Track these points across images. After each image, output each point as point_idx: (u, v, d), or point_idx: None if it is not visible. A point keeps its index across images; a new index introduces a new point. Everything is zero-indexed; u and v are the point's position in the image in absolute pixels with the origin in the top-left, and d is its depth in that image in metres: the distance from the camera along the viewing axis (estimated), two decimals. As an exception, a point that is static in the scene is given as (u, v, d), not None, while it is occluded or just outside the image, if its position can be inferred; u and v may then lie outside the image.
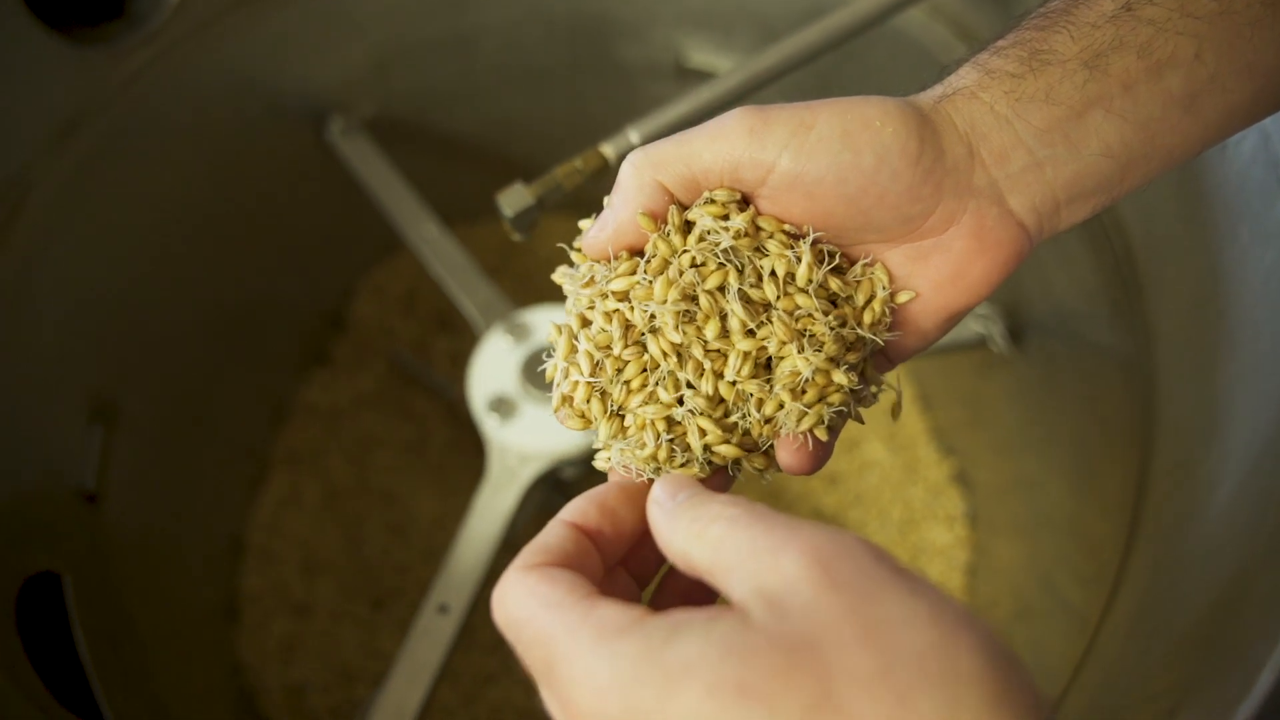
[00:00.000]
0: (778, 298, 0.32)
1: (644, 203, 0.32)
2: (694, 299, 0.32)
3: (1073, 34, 0.32)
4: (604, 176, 0.34)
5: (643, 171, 0.32)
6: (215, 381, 0.84)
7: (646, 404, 0.32)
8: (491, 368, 0.69)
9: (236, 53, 0.73)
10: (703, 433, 0.32)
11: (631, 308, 0.32)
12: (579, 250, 0.34)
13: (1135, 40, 0.31)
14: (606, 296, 0.33)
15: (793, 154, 0.31)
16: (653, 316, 0.32)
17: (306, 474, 0.90)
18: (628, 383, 0.32)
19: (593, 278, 0.34)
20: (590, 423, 0.33)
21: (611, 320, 0.33)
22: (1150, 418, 0.50)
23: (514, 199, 0.49)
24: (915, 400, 0.93)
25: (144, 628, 0.69)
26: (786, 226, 0.33)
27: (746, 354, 0.32)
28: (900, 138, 0.31)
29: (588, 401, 0.33)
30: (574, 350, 0.33)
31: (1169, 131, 0.32)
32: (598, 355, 0.33)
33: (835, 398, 0.32)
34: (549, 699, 0.26)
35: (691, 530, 0.27)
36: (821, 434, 0.32)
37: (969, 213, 0.31)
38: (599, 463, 0.34)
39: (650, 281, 0.33)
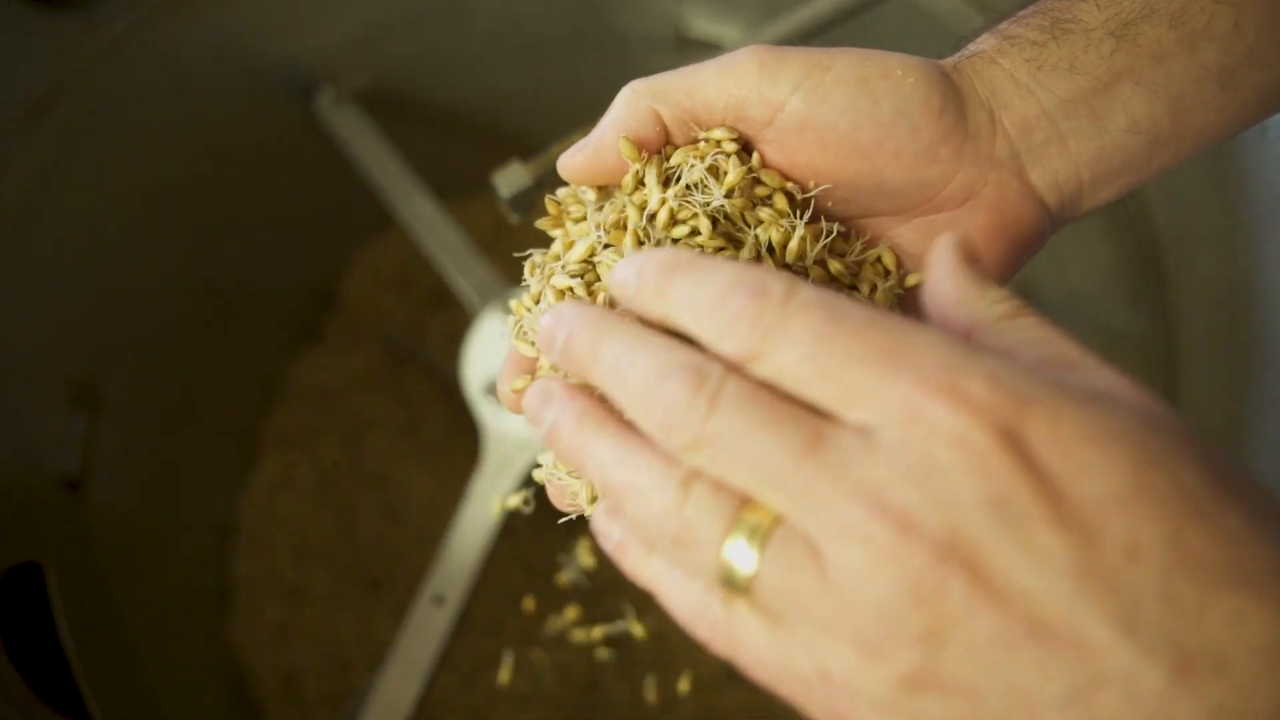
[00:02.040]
0: None
1: (634, 127, 0.29)
2: None
3: (1098, 2, 0.30)
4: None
5: (640, 96, 0.30)
6: (203, 362, 0.82)
7: None
8: (487, 350, 0.67)
9: (220, 20, 0.70)
10: None
11: (587, 286, 0.29)
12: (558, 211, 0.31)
13: (1167, 9, 0.29)
14: (564, 266, 0.29)
15: (805, 94, 0.28)
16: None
17: (298, 456, 0.89)
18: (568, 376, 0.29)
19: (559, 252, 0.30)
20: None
21: (563, 298, 0.29)
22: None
23: (511, 179, 0.46)
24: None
25: (131, 617, 0.67)
26: (790, 186, 0.29)
27: None
28: (922, 90, 0.28)
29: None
30: (521, 332, 0.30)
31: (1202, 108, 0.30)
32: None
33: None
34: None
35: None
36: None
37: (990, 185, 0.29)
38: (536, 473, 0.30)
39: (604, 244, 0.29)
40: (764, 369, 0.22)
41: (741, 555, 0.22)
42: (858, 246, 0.30)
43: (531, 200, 0.47)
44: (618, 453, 0.23)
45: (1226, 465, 0.21)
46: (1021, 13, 0.31)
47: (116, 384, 0.71)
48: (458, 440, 0.89)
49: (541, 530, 0.86)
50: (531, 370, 0.30)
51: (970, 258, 0.24)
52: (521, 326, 0.30)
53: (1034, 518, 0.20)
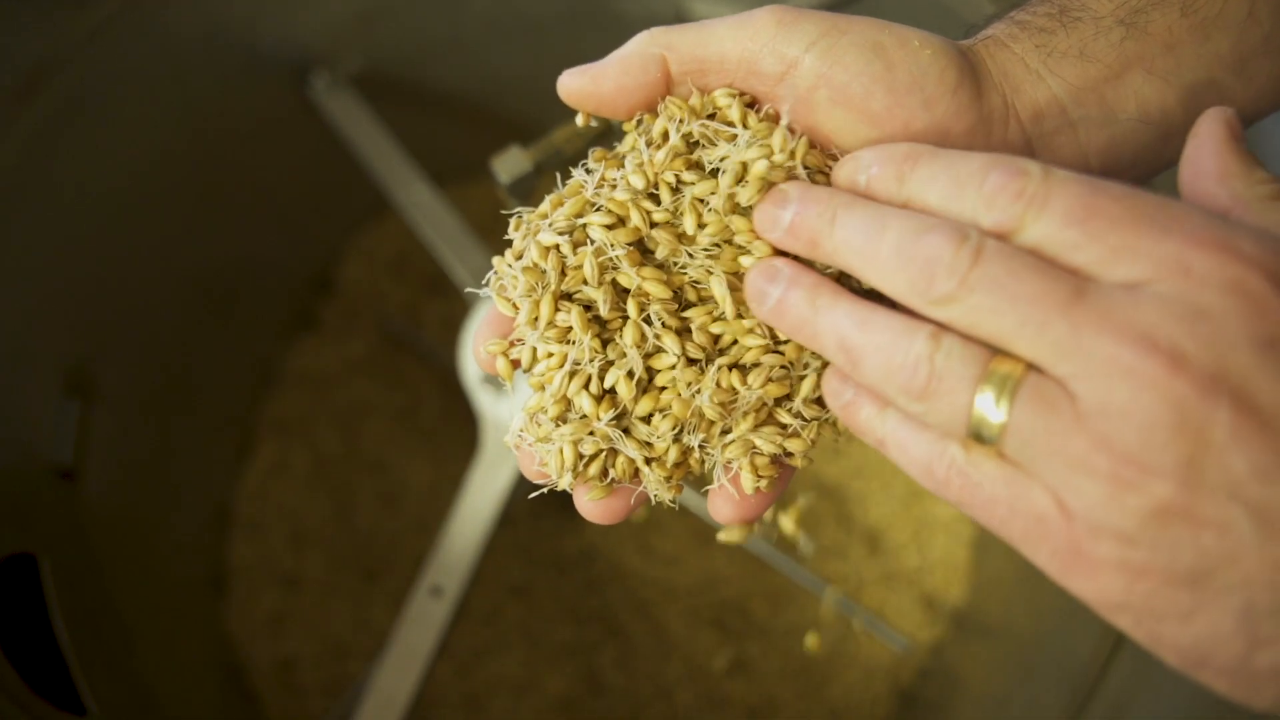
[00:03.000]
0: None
1: (637, 66, 0.29)
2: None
3: None
4: (605, 140, 0.31)
5: (654, 39, 0.30)
6: (197, 349, 0.81)
7: (553, 370, 0.29)
8: (485, 338, 0.66)
9: (214, 1, 0.69)
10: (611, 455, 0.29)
11: (573, 246, 0.29)
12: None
13: None
14: (551, 223, 0.29)
15: (820, 53, 0.28)
16: (605, 267, 0.29)
17: (295, 443, 0.88)
18: (546, 345, 0.29)
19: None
20: (505, 378, 0.30)
21: (547, 257, 0.29)
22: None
23: (510, 164, 0.45)
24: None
25: (126, 607, 0.66)
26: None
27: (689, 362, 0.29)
28: (940, 63, 0.28)
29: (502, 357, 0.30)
30: (501, 289, 0.30)
31: (1217, 98, 0.29)
32: (520, 301, 0.29)
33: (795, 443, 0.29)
34: None
35: None
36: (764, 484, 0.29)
37: None
38: (505, 439, 0.31)
39: (596, 206, 0.29)
40: (1025, 239, 0.23)
41: (991, 404, 0.22)
42: None
43: (532, 186, 0.46)
44: (857, 316, 0.25)
45: None
46: (1029, 2, 0.30)
47: (110, 371, 0.70)
48: (455, 426, 0.88)
49: (539, 520, 0.85)
50: (509, 330, 0.30)
51: (1238, 135, 0.25)
52: (502, 283, 0.30)
53: None
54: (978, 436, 0.23)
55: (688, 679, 0.79)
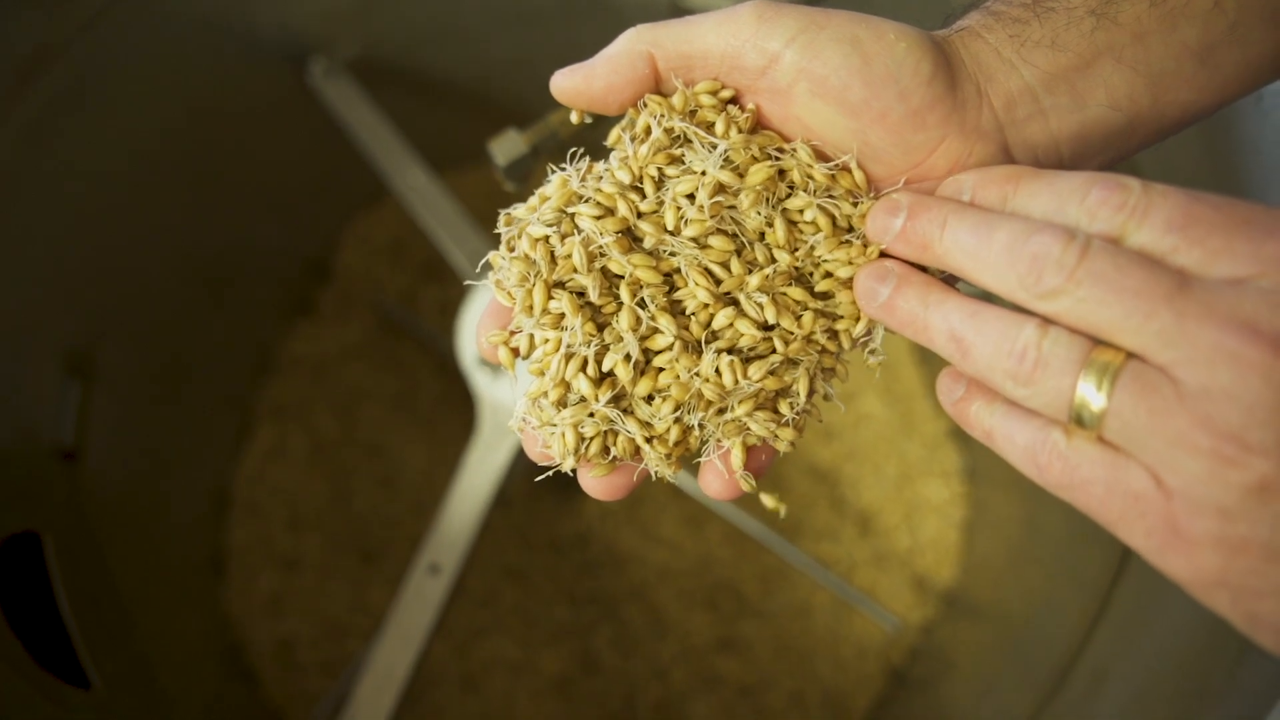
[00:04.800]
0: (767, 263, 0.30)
1: (626, 64, 0.31)
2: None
3: None
4: (600, 124, 0.32)
5: (640, 36, 0.31)
6: (196, 333, 0.81)
7: (550, 355, 0.30)
8: (482, 321, 0.67)
9: (210, -13, 0.69)
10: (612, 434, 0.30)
11: (561, 237, 0.30)
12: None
13: None
14: (539, 216, 0.30)
15: (800, 48, 0.29)
16: (594, 255, 0.30)
17: (293, 426, 0.89)
18: (543, 332, 0.30)
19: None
20: (507, 366, 0.31)
21: (536, 248, 0.30)
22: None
23: (507, 147, 0.46)
24: (911, 353, 0.91)
25: (127, 587, 0.67)
26: (776, 147, 0.30)
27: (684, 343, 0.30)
28: (914, 55, 0.29)
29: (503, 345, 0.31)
30: (499, 284, 0.31)
31: (1183, 86, 0.30)
32: (514, 291, 0.30)
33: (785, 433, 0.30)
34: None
35: None
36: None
37: (974, 157, 0.30)
38: (510, 423, 0.32)
39: (583, 198, 0.30)
40: (1128, 247, 0.24)
41: (1093, 388, 0.24)
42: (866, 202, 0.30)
43: (528, 168, 0.47)
44: (967, 309, 0.26)
45: None
46: None
47: (111, 354, 0.71)
48: (451, 410, 0.89)
49: (536, 503, 0.86)
50: (509, 321, 0.31)
51: None
52: (499, 276, 0.31)
53: None
54: (1080, 420, 0.24)
55: (682, 658, 0.80)
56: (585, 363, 0.29)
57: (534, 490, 0.85)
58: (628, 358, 0.29)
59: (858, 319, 0.31)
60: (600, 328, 0.30)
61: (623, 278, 0.30)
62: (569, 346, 0.29)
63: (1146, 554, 0.24)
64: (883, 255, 0.30)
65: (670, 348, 0.29)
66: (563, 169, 0.31)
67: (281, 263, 0.90)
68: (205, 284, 0.81)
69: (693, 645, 0.81)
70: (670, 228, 0.30)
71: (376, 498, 0.87)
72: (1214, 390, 0.22)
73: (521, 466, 0.67)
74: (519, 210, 0.31)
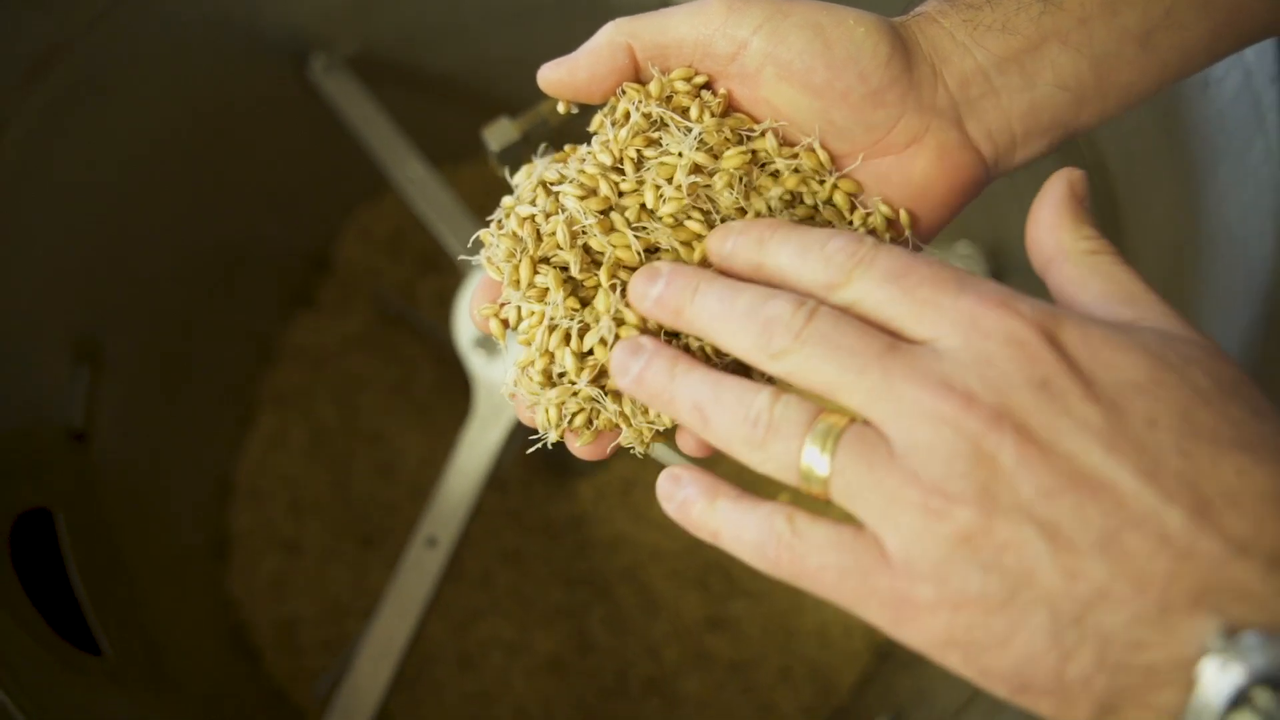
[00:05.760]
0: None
1: (610, 55, 0.33)
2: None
3: None
4: (586, 113, 0.35)
5: (619, 29, 0.33)
6: (200, 323, 0.84)
7: (534, 328, 0.32)
8: (478, 307, 0.69)
9: (213, -15, 0.71)
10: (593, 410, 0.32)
11: (546, 215, 0.32)
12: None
13: None
14: (519, 197, 0.33)
15: (766, 35, 0.31)
16: (576, 234, 0.32)
17: (293, 415, 0.91)
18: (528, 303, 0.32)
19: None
20: (497, 337, 0.34)
21: (523, 226, 0.32)
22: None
23: (500, 134, 0.49)
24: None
25: (135, 565, 0.70)
26: (747, 128, 0.33)
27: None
28: (872, 39, 0.31)
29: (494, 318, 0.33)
30: (489, 260, 0.33)
31: (1125, 67, 0.32)
32: (502, 266, 0.32)
33: None
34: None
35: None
36: None
37: (930, 132, 0.32)
38: (502, 389, 0.34)
39: (563, 178, 0.32)
40: (852, 292, 0.27)
41: (817, 451, 0.26)
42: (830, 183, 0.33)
43: (521, 154, 0.49)
44: (710, 382, 0.28)
45: (1238, 378, 0.25)
46: None
47: (118, 342, 0.73)
48: (448, 399, 0.91)
49: (531, 487, 0.89)
50: (497, 294, 0.34)
51: (1078, 196, 0.29)
52: (489, 254, 0.33)
53: (1071, 394, 0.24)
54: (808, 479, 0.26)
55: (673, 637, 0.83)
56: (568, 336, 0.32)
57: (528, 474, 0.87)
58: (604, 342, 0.31)
59: None
60: (584, 302, 0.32)
61: (604, 254, 0.32)
62: (551, 319, 0.32)
63: (885, 628, 0.25)
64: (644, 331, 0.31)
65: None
66: (541, 158, 0.34)
67: (283, 255, 0.92)
68: (209, 276, 0.84)
69: (684, 624, 0.83)
70: (650, 206, 0.32)
71: (375, 484, 0.89)
72: (918, 445, 0.24)
73: (515, 449, 0.69)
74: (509, 201, 0.34)
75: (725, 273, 0.30)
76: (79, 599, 0.59)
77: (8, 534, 0.55)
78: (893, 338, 0.26)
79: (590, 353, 0.32)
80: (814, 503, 0.27)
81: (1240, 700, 0.21)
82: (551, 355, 0.32)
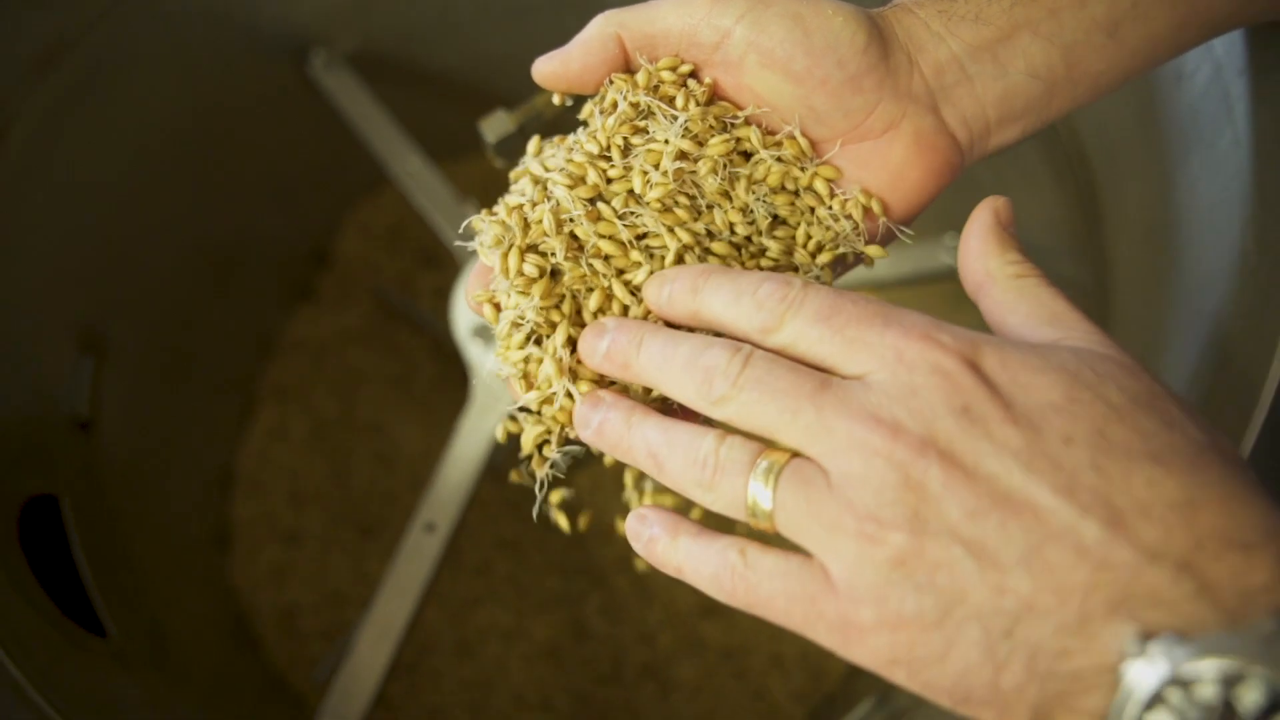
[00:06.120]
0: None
1: (601, 46, 0.35)
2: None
3: None
4: (580, 105, 0.36)
5: (609, 21, 0.35)
6: (202, 316, 0.85)
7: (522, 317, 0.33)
8: (475, 297, 0.70)
9: (215, -17, 0.73)
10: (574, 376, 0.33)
11: (533, 205, 0.33)
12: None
13: None
14: (512, 186, 0.34)
15: (748, 24, 0.33)
16: (563, 222, 0.33)
17: (294, 407, 0.92)
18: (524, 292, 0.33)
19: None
20: (490, 321, 0.35)
21: (512, 215, 0.34)
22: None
23: (496, 125, 0.50)
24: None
25: (139, 551, 0.71)
26: (731, 116, 0.34)
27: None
28: (850, 27, 0.33)
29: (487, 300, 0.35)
30: (480, 245, 0.35)
31: (1094, 57, 0.34)
32: (492, 253, 0.34)
33: None
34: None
35: None
36: None
37: (907, 118, 0.33)
38: (489, 364, 0.36)
39: (551, 168, 0.33)
40: (785, 335, 0.28)
41: (761, 486, 0.27)
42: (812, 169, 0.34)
43: (516, 146, 0.51)
44: (661, 427, 0.30)
45: (1152, 391, 0.26)
46: None
47: (122, 334, 0.74)
48: (447, 392, 0.92)
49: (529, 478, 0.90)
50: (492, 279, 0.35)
51: (1003, 224, 0.31)
52: (482, 240, 0.34)
53: (992, 418, 0.25)
54: (754, 514, 0.27)
55: (667, 624, 0.84)
56: (535, 337, 0.33)
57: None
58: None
59: (795, 269, 0.34)
60: (571, 292, 0.33)
61: (594, 242, 0.33)
62: (524, 316, 0.33)
63: (835, 650, 0.27)
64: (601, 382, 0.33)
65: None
66: (532, 151, 0.36)
67: (283, 250, 0.93)
68: (210, 271, 0.85)
69: (678, 612, 0.84)
70: (637, 191, 0.33)
71: (374, 475, 0.90)
72: (852, 476, 0.25)
73: (512, 439, 0.70)
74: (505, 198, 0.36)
75: (667, 321, 0.32)
76: (85, 583, 0.60)
77: (16, 519, 0.56)
78: (825, 375, 0.27)
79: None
80: (772, 538, 0.28)
81: (1155, 701, 0.22)
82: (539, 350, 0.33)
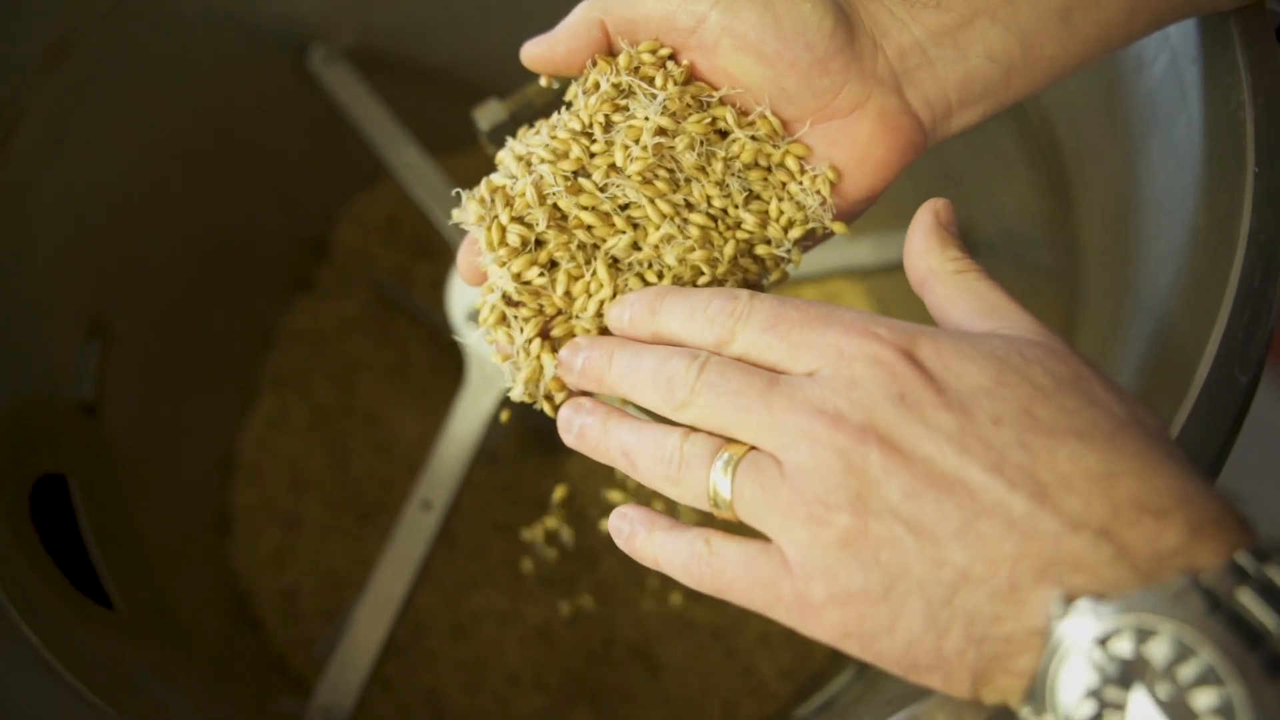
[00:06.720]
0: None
1: (585, 30, 0.37)
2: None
3: None
4: (568, 90, 0.38)
5: (593, 6, 0.37)
6: (203, 306, 0.87)
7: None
8: (470, 284, 0.72)
9: (216, -21, 0.74)
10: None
11: (515, 180, 0.36)
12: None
13: None
14: (498, 169, 0.36)
15: (723, 9, 0.35)
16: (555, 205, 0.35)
17: (293, 395, 0.94)
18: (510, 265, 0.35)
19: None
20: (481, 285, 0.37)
21: (494, 192, 0.36)
22: (1073, 319, 0.55)
23: (489, 114, 0.52)
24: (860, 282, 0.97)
25: (145, 533, 0.73)
26: (707, 95, 0.36)
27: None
28: (818, 12, 0.35)
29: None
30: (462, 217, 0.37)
31: (1048, 42, 0.36)
32: (476, 225, 0.36)
33: None
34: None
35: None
36: None
37: (872, 98, 0.36)
38: (476, 334, 0.38)
39: (536, 156, 0.35)
40: (738, 345, 0.31)
41: (721, 476, 0.30)
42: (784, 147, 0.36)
43: (509, 133, 0.53)
44: (634, 429, 0.32)
45: (1077, 372, 0.28)
46: None
47: (125, 322, 0.76)
48: (443, 381, 0.94)
49: (522, 462, 0.92)
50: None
51: (944, 224, 0.33)
52: (463, 214, 0.37)
53: (926, 403, 0.27)
54: (717, 504, 0.30)
55: (657, 606, 0.86)
56: (505, 318, 0.35)
57: (520, 450, 0.91)
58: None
59: (769, 242, 0.37)
60: (553, 262, 0.35)
61: (574, 216, 0.35)
62: (506, 287, 0.35)
63: (795, 627, 0.29)
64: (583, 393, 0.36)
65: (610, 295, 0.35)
66: (516, 139, 0.38)
67: (282, 242, 0.95)
68: (212, 262, 0.86)
69: (667, 593, 0.87)
70: (619, 164, 0.35)
71: (372, 461, 0.92)
72: (801, 465, 0.28)
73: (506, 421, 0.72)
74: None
75: (633, 340, 0.34)
76: (92, 558, 0.62)
77: (28, 495, 0.58)
78: (774, 374, 0.30)
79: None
80: (737, 528, 0.31)
81: (1078, 658, 0.24)
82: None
